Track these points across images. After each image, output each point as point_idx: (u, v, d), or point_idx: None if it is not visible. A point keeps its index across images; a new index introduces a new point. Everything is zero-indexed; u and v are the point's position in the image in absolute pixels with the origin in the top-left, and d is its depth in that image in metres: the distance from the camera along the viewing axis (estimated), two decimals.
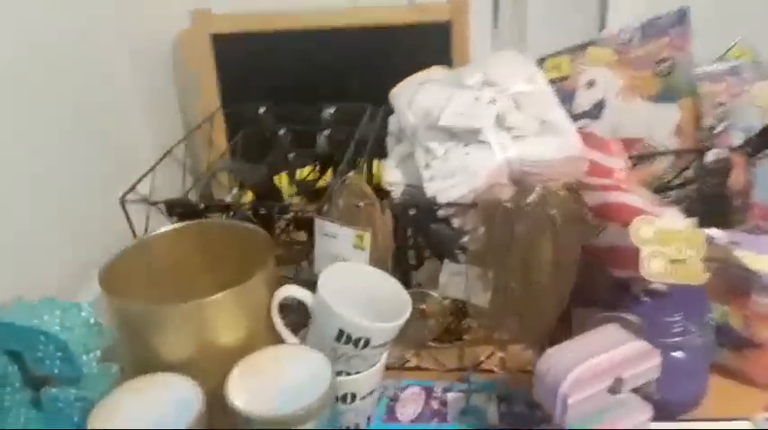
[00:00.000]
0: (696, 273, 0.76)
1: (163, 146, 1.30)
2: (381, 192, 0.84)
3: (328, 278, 0.75)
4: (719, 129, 1.04)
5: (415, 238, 0.87)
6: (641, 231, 0.76)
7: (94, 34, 1.06)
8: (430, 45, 1.35)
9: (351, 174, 0.78)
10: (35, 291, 0.84)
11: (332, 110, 1.04)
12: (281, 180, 1.06)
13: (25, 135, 0.89)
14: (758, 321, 0.83)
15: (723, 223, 0.91)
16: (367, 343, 0.72)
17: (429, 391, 0.87)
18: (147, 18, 1.26)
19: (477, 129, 0.79)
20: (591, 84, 0.96)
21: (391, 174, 0.85)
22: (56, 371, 0.64)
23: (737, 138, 1.04)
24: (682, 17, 0.93)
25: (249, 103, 1.08)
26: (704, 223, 0.79)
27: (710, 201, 0.96)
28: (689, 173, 1.01)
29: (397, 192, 0.84)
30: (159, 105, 1.34)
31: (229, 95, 1.34)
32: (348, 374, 0.74)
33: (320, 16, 1.32)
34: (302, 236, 0.92)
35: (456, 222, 0.80)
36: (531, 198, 0.78)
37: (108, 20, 1.09)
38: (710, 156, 0.99)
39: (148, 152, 1.27)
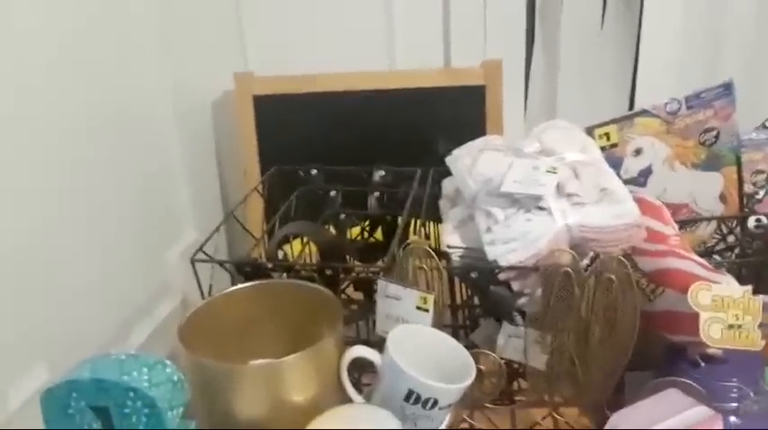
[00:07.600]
0: (753, 339, 0.78)
1: (203, 202, 1.34)
2: (439, 254, 0.86)
3: (396, 339, 0.77)
4: (760, 195, 1.07)
5: (472, 300, 0.89)
6: (699, 297, 0.79)
7: (141, 96, 1.12)
8: (465, 107, 1.39)
9: (415, 237, 0.81)
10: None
11: (382, 172, 1.07)
12: None
13: (70, 187, 0.94)
14: None
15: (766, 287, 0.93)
16: (435, 403, 0.74)
17: None
18: (191, 79, 1.31)
19: (538, 196, 0.82)
20: (638, 152, 0.99)
21: (450, 238, 0.87)
22: (141, 427, 0.65)
23: None
24: (727, 90, 0.97)
25: (303, 164, 1.11)
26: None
27: (753, 266, 0.99)
28: (732, 238, 1.05)
29: (456, 255, 0.87)
30: (200, 163, 1.38)
31: (267, 154, 1.38)
32: None
33: (359, 78, 1.36)
34: (358, 295, 0.93)
35: (516, 286, 0.82)
36: (591, 264, 0.81)
37: (155, 81, 1.15)
38: (752, 222, 1.02)
39: (188, 208, 1.30)
